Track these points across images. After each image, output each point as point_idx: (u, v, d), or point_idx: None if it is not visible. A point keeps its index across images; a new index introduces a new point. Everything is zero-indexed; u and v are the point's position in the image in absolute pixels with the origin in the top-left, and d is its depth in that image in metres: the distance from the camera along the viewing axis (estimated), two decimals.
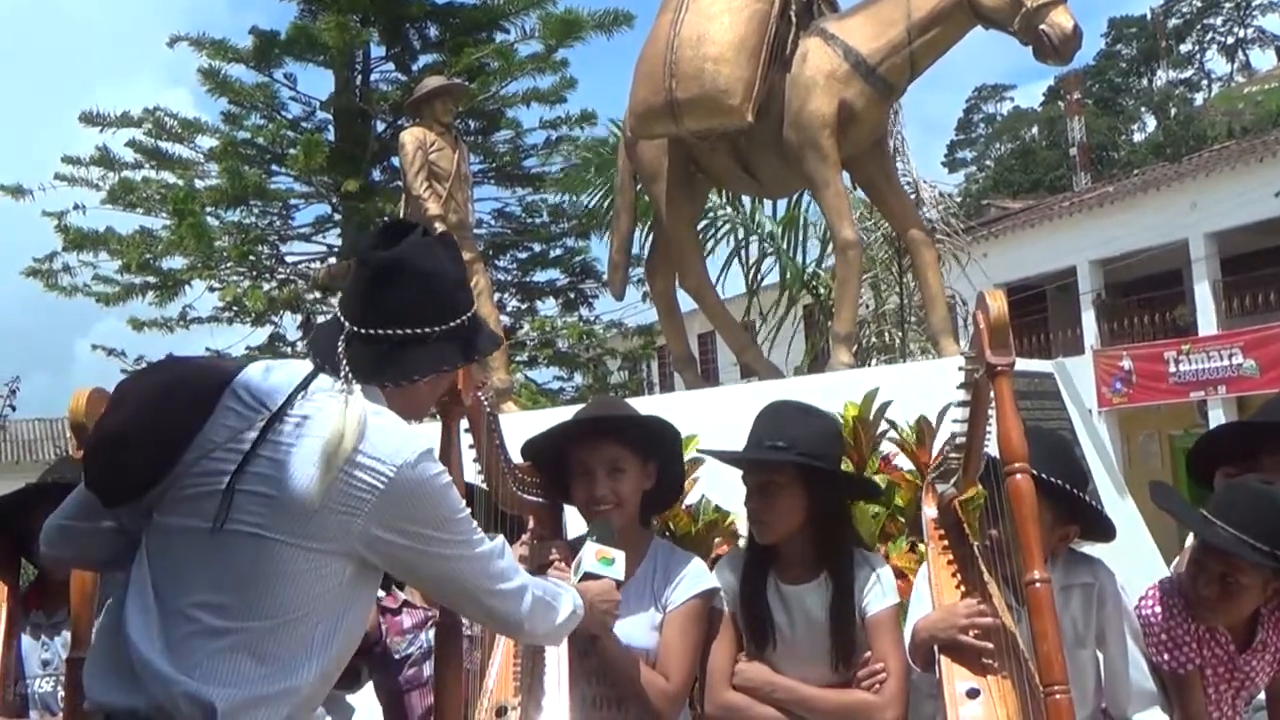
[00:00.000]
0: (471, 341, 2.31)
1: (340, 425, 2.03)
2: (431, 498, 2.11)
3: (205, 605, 1.98)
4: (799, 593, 3.08)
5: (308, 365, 2.20)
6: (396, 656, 3.53)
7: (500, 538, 2.33)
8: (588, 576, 2.75)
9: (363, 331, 2.18)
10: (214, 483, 2.03)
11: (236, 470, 2.02)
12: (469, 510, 2.23)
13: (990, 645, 2.81)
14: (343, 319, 2.21)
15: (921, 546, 3.73)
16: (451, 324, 2.24)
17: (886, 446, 4.26)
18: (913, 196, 9.82)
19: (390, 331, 2.18)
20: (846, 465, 4.05)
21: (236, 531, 2.00)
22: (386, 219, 13.64)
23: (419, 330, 2.20)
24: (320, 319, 17.38)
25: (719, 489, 3.56)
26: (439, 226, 7.08)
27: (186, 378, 2.15)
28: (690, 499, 4.11)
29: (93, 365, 18.70)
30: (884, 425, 4.24)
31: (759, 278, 11.13)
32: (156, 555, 2.07)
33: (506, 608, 2.29)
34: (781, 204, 10.47)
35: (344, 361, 2.15)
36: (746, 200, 10.44)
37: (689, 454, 4.01)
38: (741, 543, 3.60)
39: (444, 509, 2.14)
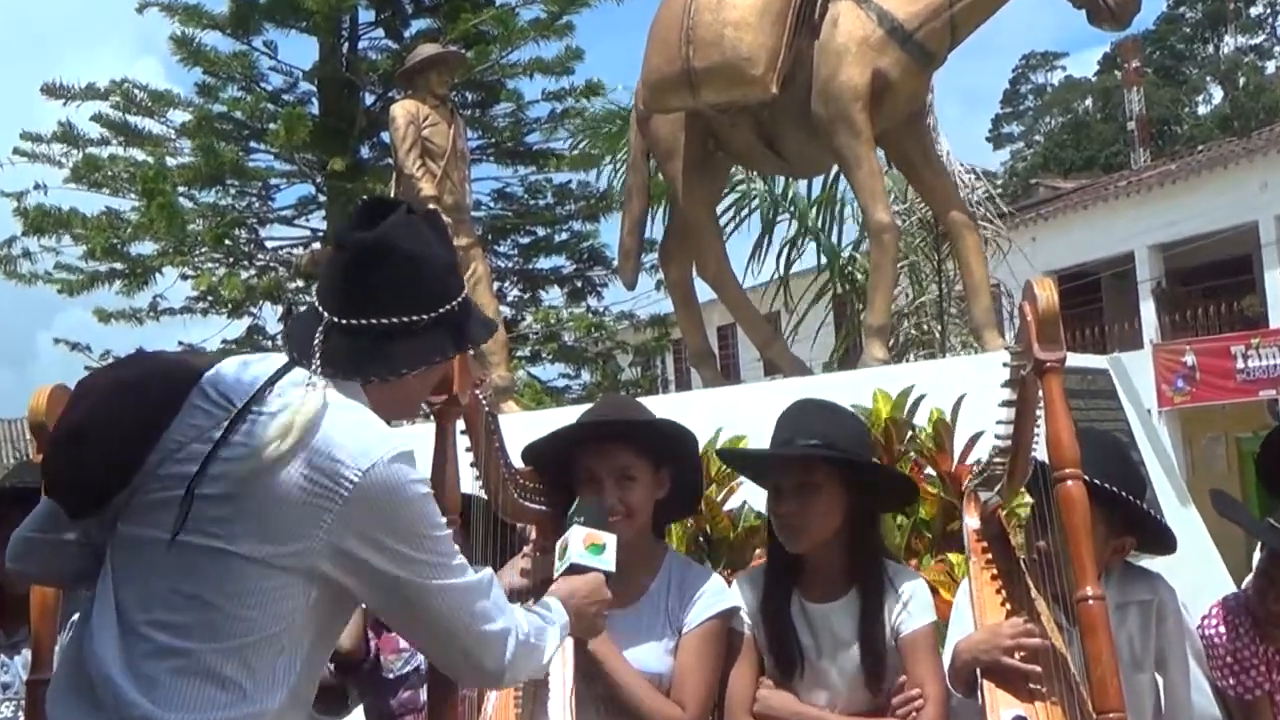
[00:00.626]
0: (462, 329, 2.28)
1: (288, 419, 2.00)
2: (405, 506, 2.06)
3: (164, 624, 1.98)
4: (826, 611, 3.08)
5: (278, 359, 2.20)
6: (390, 677, 3.54)
7: (488, 570, 2.28)
8: (574, 569, 2.62)
9: (342, 322, 2.15)
10: (176, 488, 2.02)
11: (196, 474, 2.00)
12: (463, 525, 2.21)
13: (1038, 668, 2.80)
14: (320, 308, 2.19)
15: (953, 560, 3.74)
16: (440, 311, 2.21)
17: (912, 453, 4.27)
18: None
19: (372, 321, 2.15)
20: None
21: (194, 544, 1.99)
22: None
23: (404, 319, 2.17)
24: (303, 309, 17.42)
25: (763, 496, 3.55)
26: (433, 208, 7.09)
27: (152, 373, 2.15)
28: (731, 504, 4.15)
29: (56, 360, 18.81)
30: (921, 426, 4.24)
31: (790, 263, 11.12)
32: (119, 568, 2.07)
33: (485, 653, 2.20)
34: (816, 180, 10.45)
35: (317, 355, 2.12)
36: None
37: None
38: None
39: (420, 521, 2.09)
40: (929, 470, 4.16)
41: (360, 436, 2.05)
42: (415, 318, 2.18)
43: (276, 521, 1.99)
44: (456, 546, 2.19)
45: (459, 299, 2.26)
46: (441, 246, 2.28)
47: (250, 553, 1.98)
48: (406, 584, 2.09)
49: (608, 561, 2.65)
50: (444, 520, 2.17)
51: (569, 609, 2.49)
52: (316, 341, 2.14)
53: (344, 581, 2.07)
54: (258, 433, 2.02)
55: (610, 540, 2.68)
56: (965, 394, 4.08)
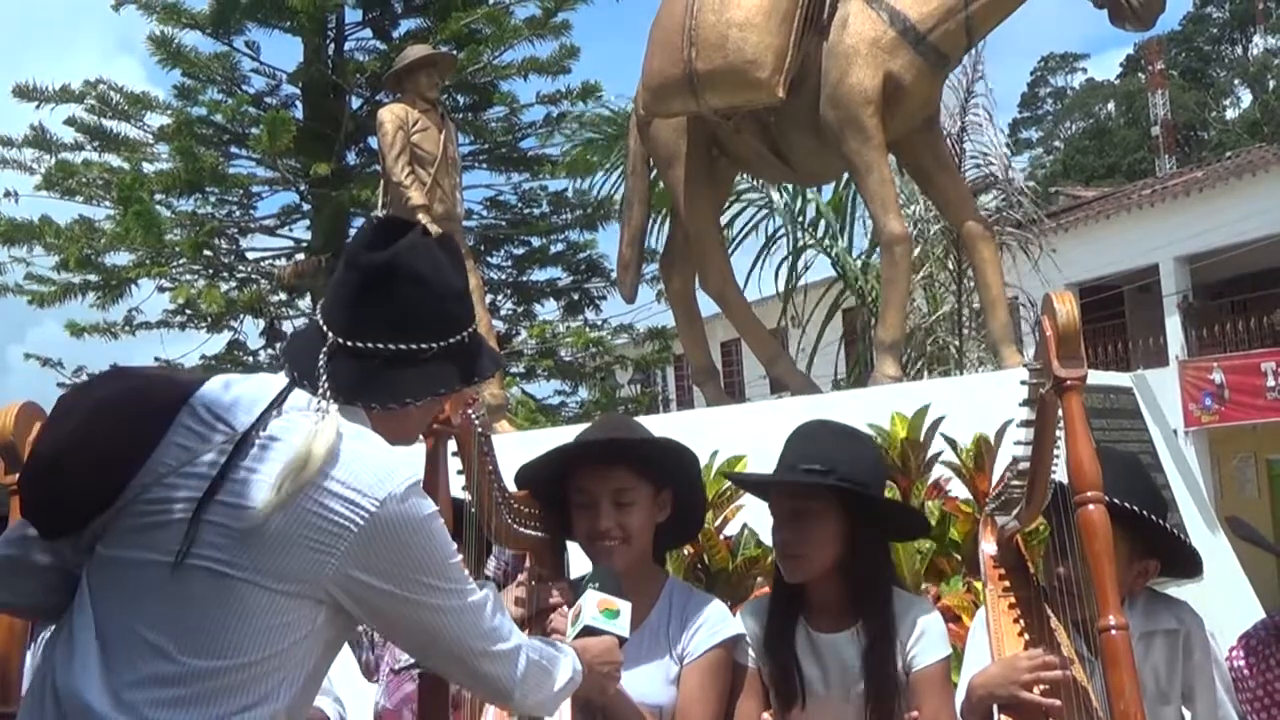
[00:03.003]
0: (471, 361, 2.31)
1: (306, 448, 2.03)
2: (420, 538, 2.10)
3: (156, 649, 1.99)
4: (833, 641, 3.07)
5: (277, 380, 2.21)
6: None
7: (490, 587, 2.33)
8: (588, 631, 2.69)
9: (349, 344, 2.18)
10: (166, 511, 2.04)
11: (203, 499, 2.02)
12: (456, 536, 2.23)
13: (1058, 703, 2.80)
14: (325, 328, 2.21)
15: (979, 586, 3.73)
16: (450, 341, 2.24)
17: (939, 470, 4.27)
18: (990, 179, 9.80)
19: (380, 346, 2.18)
20: (891, 493, 4.06)
21: (195, 567, 2.01)
22: (367, 210, 13.68)
23: (413, 346, 2.20)
24: (286, 324, 17.45)
25: (765, 521, 3.55)
26: (423, 219, 7.11)
27: (138, 390, 2.16)
28: (730, 529, 4.13)
29: (27, 376, 18.78)
30: (937, 446, 4.24)
31: (796, 275, 11.14)
32: (101, 593, 2.07)
33: (498, 671, 2.26)
34: (828, 187, 10.49)
35: (324, 377, 2.15)
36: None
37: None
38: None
39: (434, 553, 2.13)
40: (955, 491, 4.17)
41: (373, 465, 2.08)
42: (423, 345, 2.21)
43: (287, 550, 2.02)
44: (467, 571, 2.23)
45: (469, 330, 2.30)
46: (454, 273, 2.30)
47: (256, 579, 2.00)
48: (417, 612, 2.14)
49: (622, 627, 2.72)
50: (455, 547, 2.21)
51: (581, 664, 2.54)
52: (321, 363, 2.16)
53: (352, 609, 2.11)
54: (270, 459, 2.05)
55: (625, 607, 2.74)
56: (1010, 419, 4.08)
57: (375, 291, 2.19)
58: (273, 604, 2.01)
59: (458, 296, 2.30)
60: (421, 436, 2.71)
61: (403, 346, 2.19)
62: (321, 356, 2.17)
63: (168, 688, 1.97)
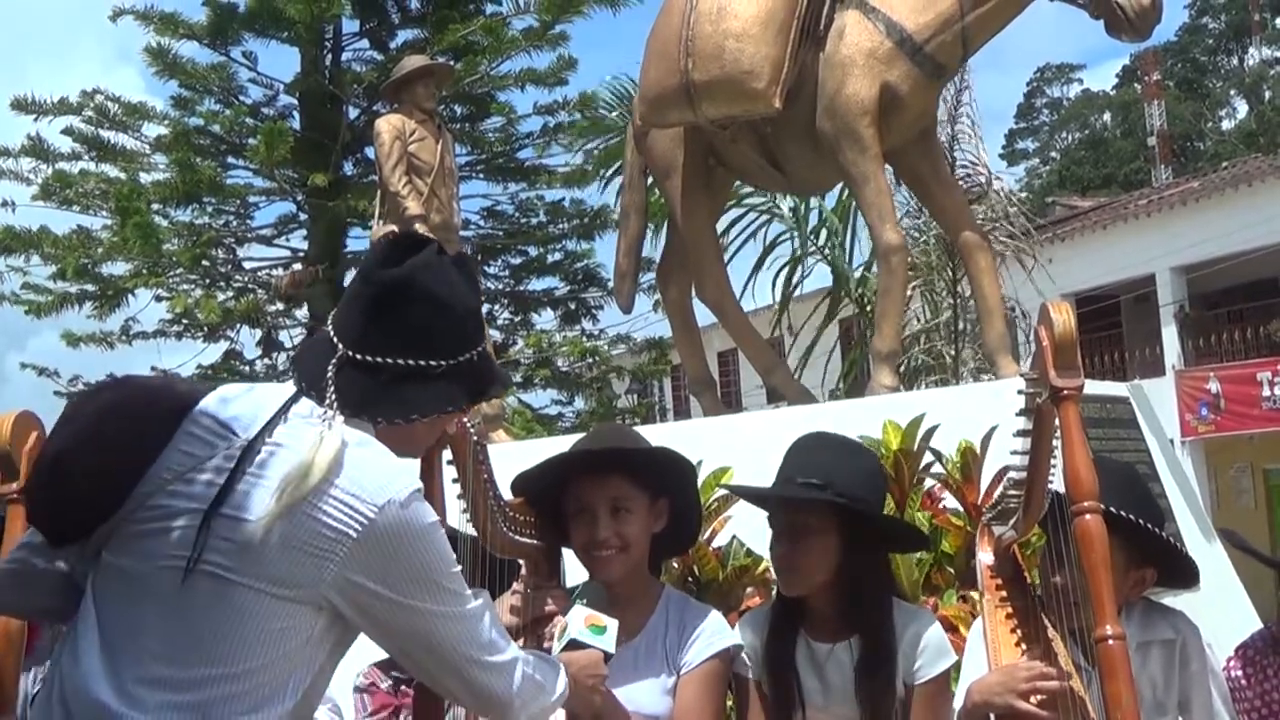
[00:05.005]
0: (480, 380, 2.33)
1: (310, 457, 2.04)
2: (420, 545, 2.11)
3: (159, 655, 2.00)
4: (833, 653, 3.07)
5: (284, 389, 2.22)
6: None
7: (485, 596, 2.32)
8: (573, 645, 2.70)
9: (359, 357, 2.19)
10: (170, 518, 2.05)
11: (211, 506, 2.03)
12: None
13: (1053, 717, 2.80)
14: (336, 340, 2.23)
15: (974, 597, 3.73)
16: (459, 360, 2.26)
17: (931, 482, 4.26)
18: (978, 189, 9.83)
19: (390, 361, 2.20)
20: (888, 506, 4.06)
21: (200, 574, 2.02)
22: (364, 220, 13.69)
23: (421, 363, 2.21)
24: (283, 334, 17.44)
25: (754, 531, 3.55)
26: (420, 229, 7.12)
27: (144, 397, 2.18)
28: (719, 540, 4.12)
29: (26, 386, 18.72)
30: (930, 457, 4.23)
31: (795, 284, 11.15)
32: (105, 600, 2.09)
33: (495, 683, 2.25)
34: (833, 192, 10.48)
35: (331, 388, 2.16)
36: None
37: (719, 489, 4.02)
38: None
39: (435, 561, 2.14)
40: (950, 503, 4.16)
41: (376, 472, 2.09)
42: (433, 363, 2.23)
43: (288, 556, 2.02)
44: (463, 580, 2.23)
45: (479, 349, 2.31)
46: (468, 292, 2.32)
47: (257, 584, 2.01)
48: (415, 619, 2.14)
49: (608, 643, 2.72)
50: (454, 556, 2.21)
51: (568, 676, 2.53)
52: (330, 374, 2.18)
53: (352, 616, 2.11)
54: (274, 466, 2.06)
55: (612, 624, 2.74)
56: (996, 425, 4.08)
57: (389, 307, 2.21)
58: (271, 608, 2.02)
59: (469, 314, 2.31)
60: None
61: (413, 363, 2.21)
62: (330, 367, 2.19)
63: (170, 692, 1.99)
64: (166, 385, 2.31)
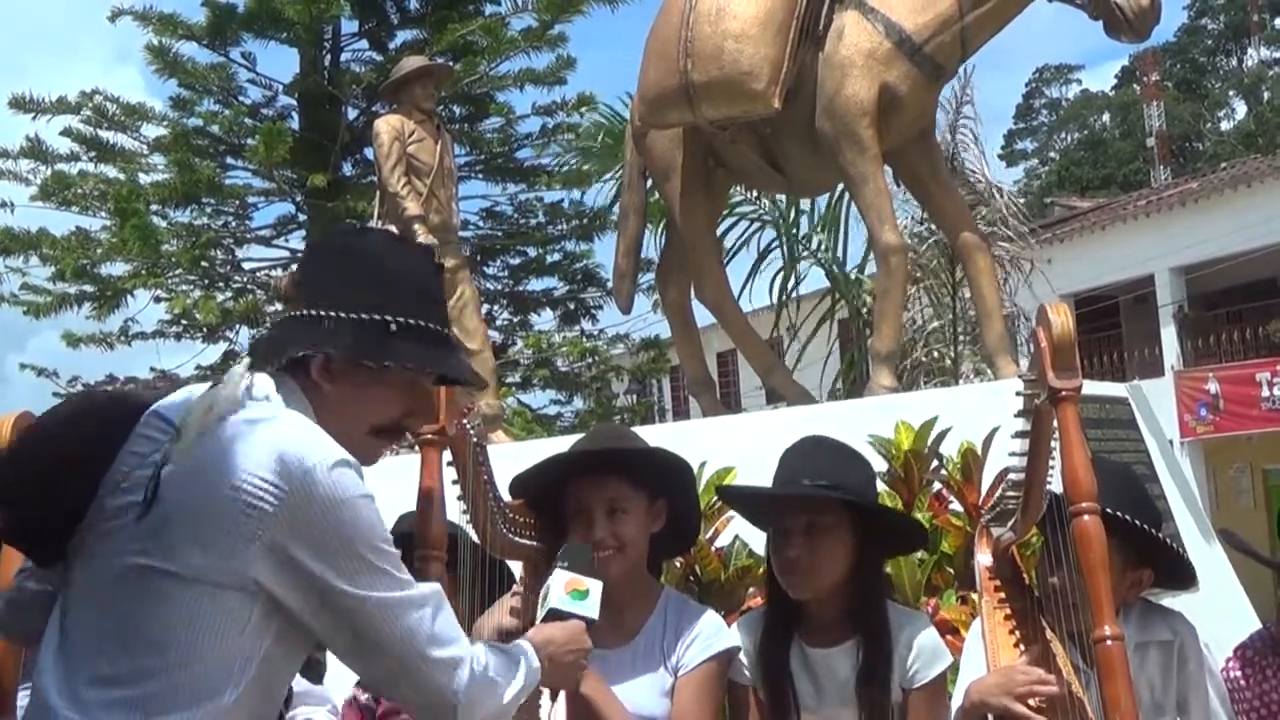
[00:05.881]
0: (442, 357, 2.31)
1: (209, 400, 2.08)
2: (344, 513, 2.04)
3: (102, 653, 2.02)
4: (828, 657, 3.06)
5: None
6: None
7: (437, 587, 2.24)
8: (554, 614, 2.57)
9: (311, 313, 2.23)
10: (119, 515, 2.06)
11: (145, 497, 2.03)
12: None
13: None
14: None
15: (974, 598, 3.73)
16: (413, 323, 2.23)
17: (939, 485, 4.27)
18: (976, 198, 9.85)
19: (343, 315, 2.21)
20: (894, 502, 4.07)
21: (130, 566, 2.02)
22: (363, 221, 13.68)
23: (375, 317, 2.20)
24: None
25: (756, 532, 3.54)
26: (419, 229, 7.12)
27: (98, 406, 2.22)
28: (721, 541, 4.12)
29: (26, 386, 18.70)
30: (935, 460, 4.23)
31: (791, 286, 11.15)
32: (68, 607, 2.11)
33: (440, 680, 2.15)
34: (821, 199, 10.48)
35: (266, 336, 2.23)
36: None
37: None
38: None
39: (361, 532, 2.07)
40: (953, 504, 4.16)
41: (297, 442, 2.06)
42: (385, 318, 2.21)
43: (208, 529, 2.00)
44: (404, 566, 2.16)
45: (438, 326, 2.29)
46: (423, 269, 2.34)
47: (183, 570, 1.99)
48: (348, 600, 2.07)
49: (590, 608, 2.59)
50: (390, 536, 2.15)
51: (543, 657, 2.42)
52: (269, 324, 2.20)
53: (284, 598, 2.04)
54: (201, 446, 2.06)
55: (595, 586, 2.63)
56: (998, 426, 4.08)
57: (340, 265, 2.27)
58: (198, 595, 1.99)
59: (422, 287, 2.31)
60: (416, 447, 2.70)
61: (365, 316, 2.20)
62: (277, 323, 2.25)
63: (112, 689, 1.99)
64: (127, 394, 2.33)
